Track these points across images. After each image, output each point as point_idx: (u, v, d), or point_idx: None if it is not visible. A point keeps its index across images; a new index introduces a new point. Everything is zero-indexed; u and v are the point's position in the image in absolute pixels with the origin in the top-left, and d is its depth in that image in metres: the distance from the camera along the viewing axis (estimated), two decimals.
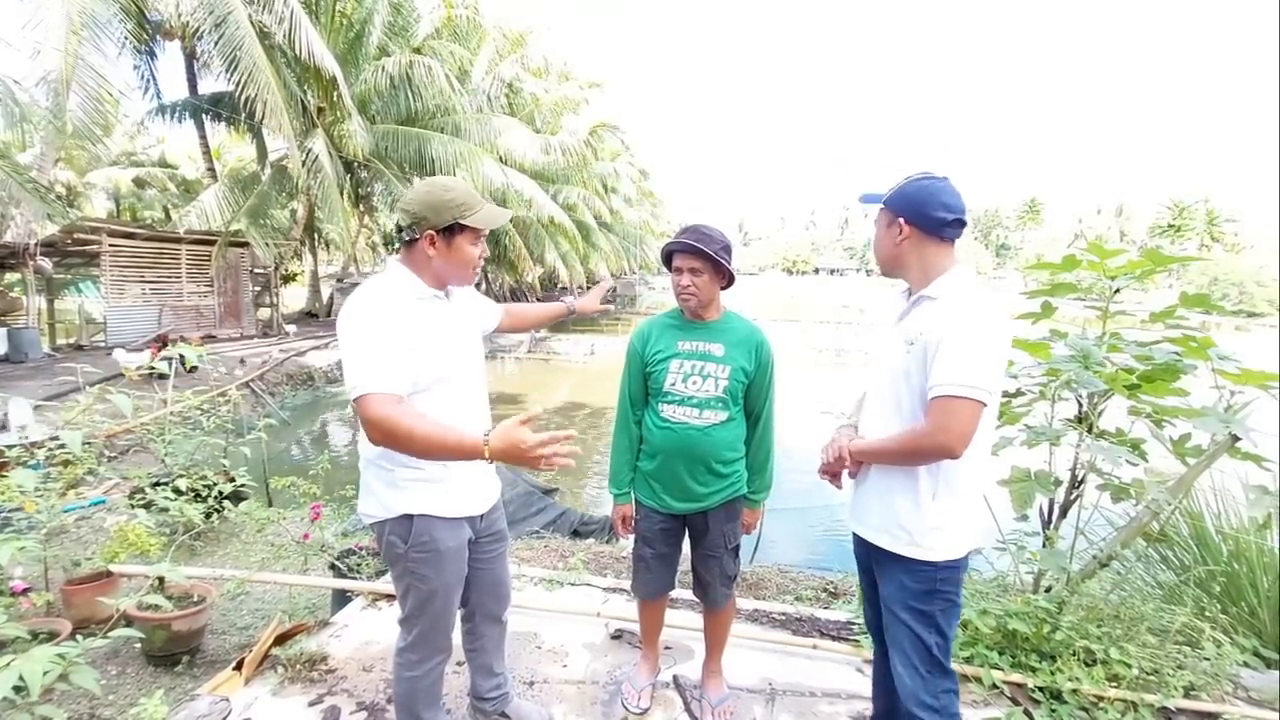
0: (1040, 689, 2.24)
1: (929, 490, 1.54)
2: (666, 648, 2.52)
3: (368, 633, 2.63)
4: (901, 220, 1.56)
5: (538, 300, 29.68)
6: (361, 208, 19.42)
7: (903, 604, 1.59)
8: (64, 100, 9.89)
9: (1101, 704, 2.16)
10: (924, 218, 1.55)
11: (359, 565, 3.05)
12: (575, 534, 4.77)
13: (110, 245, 12.80)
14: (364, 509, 1.71)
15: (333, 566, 3.08)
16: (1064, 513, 2.60)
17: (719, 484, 2.01)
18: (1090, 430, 2.51)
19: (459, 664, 2.29)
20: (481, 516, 1.83)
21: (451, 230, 1.60)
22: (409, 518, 1.65)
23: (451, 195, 1.60)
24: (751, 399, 2.05)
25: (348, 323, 1.52)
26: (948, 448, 1.44)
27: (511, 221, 20.52)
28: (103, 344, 12.72)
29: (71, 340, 13.69)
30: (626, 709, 2.19)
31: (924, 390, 1.50)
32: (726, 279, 2.00)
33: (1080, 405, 2.58)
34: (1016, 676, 2.29)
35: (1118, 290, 2.63)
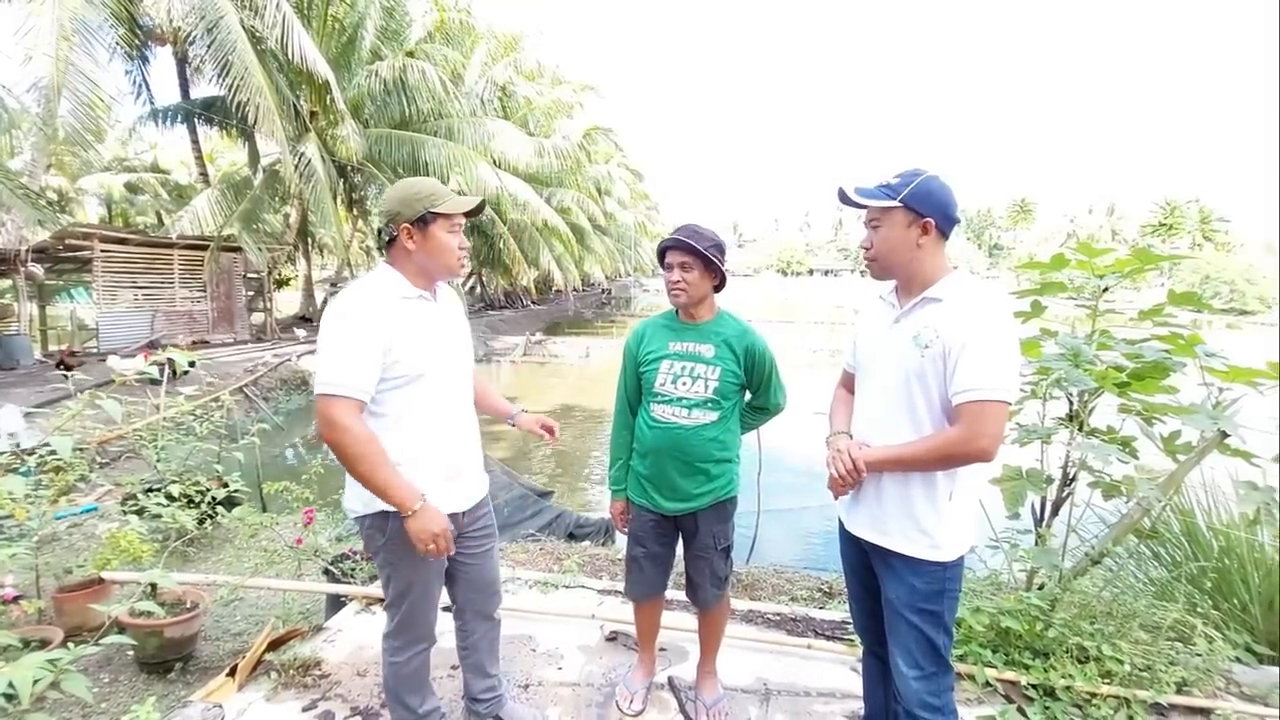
0: (1034, 686, 2.25)
1: (946, 491, 1.54)
2: (661, 649, 2.52)
3: (362, 637, 2.63)
4: (931, 221, 1.51)
5: (533, 304, 29.79)
6: (355, 212, 19.35)
7: (911, 606, 1.57)
8: (55, 106, 9.83)
9: (1094, 700, 2.18)
10: (948, 219, 1.52)
11: (353, 570, 3.03)
12: (571, 536, 4.76)
13: (102, 251, 12.76)
14: (347, 504, 1.78)
15: (326, 571, 3.07)
16: (1056, 510, 2.61)
17: (708, 484, 2.02)
18: (1081, 428, 2.53)
19: (453, 667, 2.28)
20: (464, 514, 1.86)
21: (425, 220, 1.68)
22: (386, 514, 1.69)
23: (419, 188, 1.70)
24: (757, 396, 2.09)
25: (330, 319, 1.61)
26: (986, 452, 1.43)
27: (506, 225, 20.53)
28: (95, 350, 12.65)
29: (64, 347, 13.61)
30: (621, 711, 2.19)
31: (942, 393, 1.49)
32: (718, 279, 2.00)
33: (1071, 403, 2.59)
34: (1010, 674, 2.30)
35: (1106, 289, 2.64)
